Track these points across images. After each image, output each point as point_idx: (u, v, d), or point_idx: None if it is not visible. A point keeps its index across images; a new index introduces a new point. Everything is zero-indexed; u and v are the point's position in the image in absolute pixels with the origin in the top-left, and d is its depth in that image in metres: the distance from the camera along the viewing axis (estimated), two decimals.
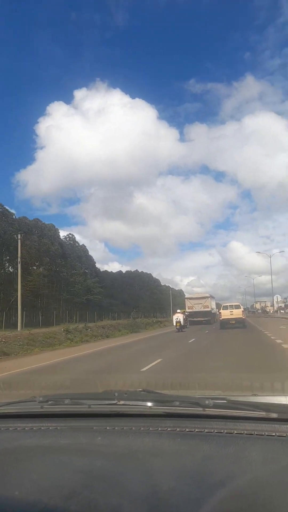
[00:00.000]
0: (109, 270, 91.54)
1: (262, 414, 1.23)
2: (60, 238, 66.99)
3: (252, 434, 1.15)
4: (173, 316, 26.70)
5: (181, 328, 25.13)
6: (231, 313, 26.43)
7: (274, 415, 1.22)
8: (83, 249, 74.69)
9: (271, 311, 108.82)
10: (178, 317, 25.70)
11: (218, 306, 41.09)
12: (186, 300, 43.49)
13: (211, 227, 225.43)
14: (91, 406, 1.44)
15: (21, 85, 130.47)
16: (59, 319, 47.31)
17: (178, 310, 28.15)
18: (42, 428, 1.35)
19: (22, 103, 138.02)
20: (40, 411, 1.48)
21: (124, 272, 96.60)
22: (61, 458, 1.07)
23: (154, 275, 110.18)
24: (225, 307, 27.68)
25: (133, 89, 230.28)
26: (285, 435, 1.13)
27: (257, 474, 0.89)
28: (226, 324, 25.41)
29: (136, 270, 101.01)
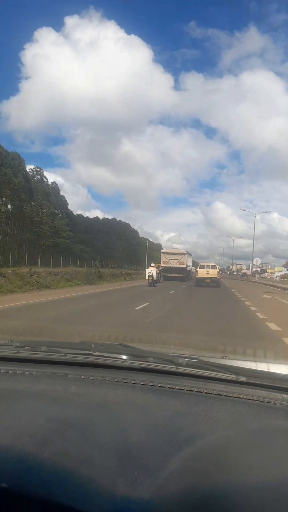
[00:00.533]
0: (87, 216, 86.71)
1: (232, 376, 1.27)
2: (25, 171, 60.26)
3: (221, 395, 1.19)
4: (146, 269, 25.66)
5: (153, 282, 24.22)
6: (207, 272, 27.43)
7: (243, 379, 1.25)
8: (54, 187, 68.65)
9: (248, 275, 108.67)
10: (151, 271, 24.64)
11: (195, 264, 41.07)
12: (162, 254, 41.53)
13: (197, 185, 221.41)
14: (67, 354, 1.47)
15: (6, 4, 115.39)
16: (21, 261, 43.06)
17: (152, 264, 26.72)
18: (17, 372, 1.38)
19: (6, 26, 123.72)
20: (16, 355, 1.50)
21: (101, 218, 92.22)
22: (36, 405, 1.05)
23: (136, 227, 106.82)
24: (202, 266, 28.67)
25: (129, 23, 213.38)
26: (252, 398, 1.17)
27: (223, 434, 0.91)
28: (201, 282, 26.57)
29: (114, 218, 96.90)
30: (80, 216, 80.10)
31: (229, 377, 1.27)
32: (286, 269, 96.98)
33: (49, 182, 68.65)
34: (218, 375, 1.28)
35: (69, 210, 71.66)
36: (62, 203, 68.89)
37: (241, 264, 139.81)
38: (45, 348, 1.54)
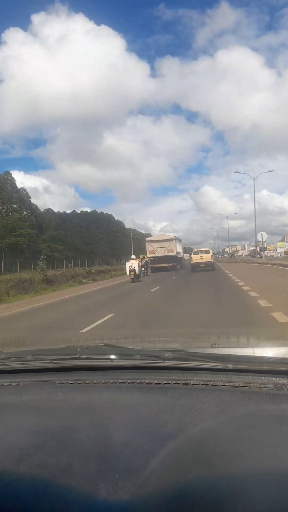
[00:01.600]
0: (59, 211, 77.95)
1: (218, 365, 1.25)
2: None
3: (208, 384, 1.18)
4: (127, 263, 22.30)
5: (136, 277, 21.09)
6: (201, 257, 28.25)
7: (230, 366, 1.24)
8: (7, 178, 57.90)
9: (243, 255, 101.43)
10: (132, 264, 21.33)
11: (189, 250, 40.12)
12: (147, 243, 35.95)
13: (184, 171, 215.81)
14: (54, 361, 1.45)
15: None
16: None
17: (133, 257, 23.05)
18: (4, 384, 1.35)
19: None
20: (3, 367, 1.49)
21: (78, 212, 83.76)
22: (18, 417, 1.05)
23: (127, 220, 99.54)
24: (196, 252, 29.73)
25: (98, 14, 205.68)
26: (238, 385, 1.16)
27: (207, 425, 0.90)
28: (196, 267, 27.26)
29: (94, 210, 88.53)
30: (49, 211, 70.78)
31: (215, 365, 1.25)
32: None
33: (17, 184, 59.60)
34: (204, 365, 1.27)
35: (33, 205, 62.19)
36: (20, 196, 58.72)
37: (236, 246, 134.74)
38: (31, 357, 1.50)
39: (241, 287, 12.20)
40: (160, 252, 33.61)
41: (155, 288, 15.00)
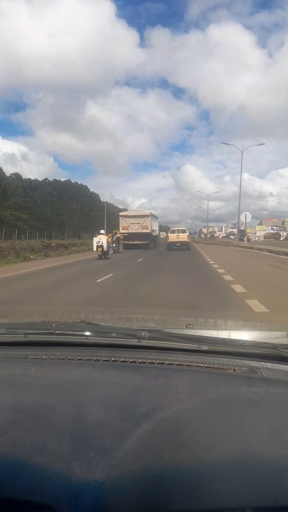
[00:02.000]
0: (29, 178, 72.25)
1: (194, 346, 1.26)
2: None
3: (183, 365, 1.18)
4: (94, 238, 20.29)
5: (103, 254, 19.19)
6: (178, 236, 28.85)
7: (205, 347, 1.25)
8: None
9: (220, 237, 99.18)
10: (100, 239, 19.34)
11: (166, 229, 39.19)
12: (120, 218, 33.36)
13: (167, 149, 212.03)
14: (28, 335, 1.43)
15: None
16: None
17: (102, 231, 20.90)
18: None
19: None
20: None
21: (51, 180, 78.25)
22: None
23: (106, 195, 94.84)
24: (173, 231, 30.07)
25: None
26: (212, 366, 1.17)
27: (182, 407, 0.90)
28: (172, 246, 27.82)
29: (68, 180, 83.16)
30: (16, 176, 64.77)
31: (191, 346, 1.25)
32: (270, 227, 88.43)
33: None
34: (180, 346, 1.27)
35: None
36: None
37: (213, 227, 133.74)
38: (4, 330, 1.48)
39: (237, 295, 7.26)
40: (134, 229, 31.11)
41: (112, 274, 11.44)
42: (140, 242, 30.29)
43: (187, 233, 30.30)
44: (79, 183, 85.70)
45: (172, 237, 28.89)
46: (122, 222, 31.93)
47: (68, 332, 1.42)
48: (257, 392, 0.96)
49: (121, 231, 31.36)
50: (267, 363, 1.17)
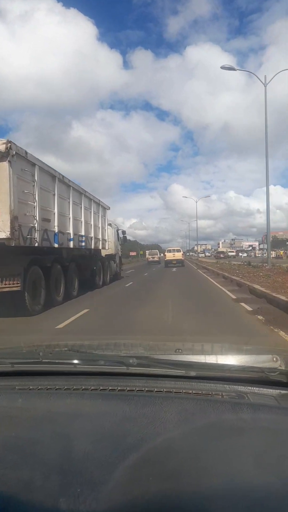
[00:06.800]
0: None
1: (182, 372, 1.26)
2: None
3: (171, 392, 1.18)
4: None
5: None
6: (174, 255, 34.00)
7: (193, 373, 1.24)
8: None
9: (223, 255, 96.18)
10: None
11: (155, 247, 39.40)
12: None
13: (154, 169, 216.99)
14: (14, 365, 1.40)
15: None
16: None
17: None
18: None
19: None
20: None
21: None
22: None
23: None
24: (169, 251, 35.53)
25: None
26: (200, 392, 1.16)
27: (169, 436, 0.90)
28: (169, 263, 32.75)
29: None
30: None
31: (179, 373, 1.25)
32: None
33: None
34: (168, 372, 1.26)
35: None
36: None
37: (205, 244, 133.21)
38: None
39: None
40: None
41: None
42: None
43: (181, 252, 36.25)
44: None
45: (169, 256, 34.12)
46: None
47: (56, 361, 1.40)
48: (244, 419, 0.96)
49: None
50: (254, 388, 1.16)
